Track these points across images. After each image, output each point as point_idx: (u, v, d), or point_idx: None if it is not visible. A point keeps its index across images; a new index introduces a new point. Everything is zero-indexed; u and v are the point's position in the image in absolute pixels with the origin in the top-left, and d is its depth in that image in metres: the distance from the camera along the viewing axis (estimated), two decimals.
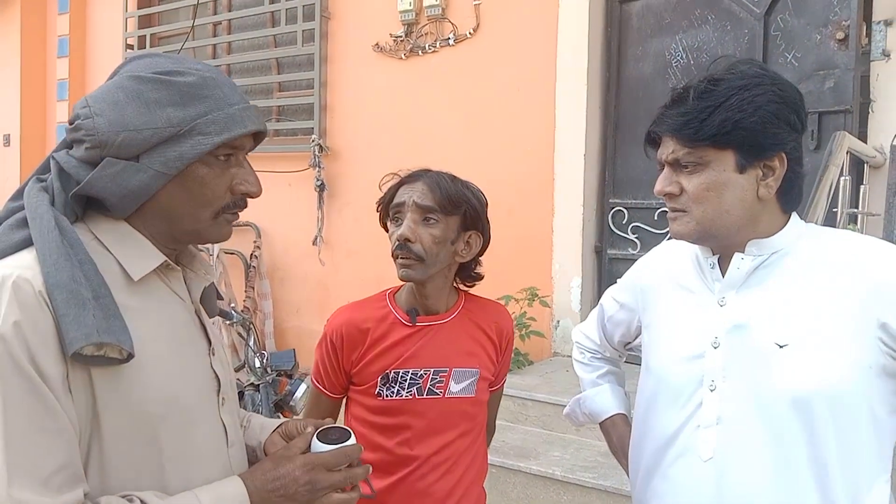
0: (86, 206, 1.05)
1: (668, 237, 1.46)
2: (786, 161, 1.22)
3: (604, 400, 1.68)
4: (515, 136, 4.32)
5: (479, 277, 1.68)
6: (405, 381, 1.55)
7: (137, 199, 1.03)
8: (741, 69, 1.24)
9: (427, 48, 4.63)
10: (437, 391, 1.56)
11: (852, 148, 2.95)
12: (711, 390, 1.25)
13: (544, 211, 4.21)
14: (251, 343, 3.73)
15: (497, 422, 1.87)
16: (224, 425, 1.14)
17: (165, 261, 1.08)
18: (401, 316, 1.59)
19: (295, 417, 1.31)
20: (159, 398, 1.02)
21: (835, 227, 2.63)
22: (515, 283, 3.98)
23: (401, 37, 4.71)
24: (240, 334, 3.73)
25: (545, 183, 4.21)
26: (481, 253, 1.64)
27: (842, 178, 2.86)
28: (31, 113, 6.46)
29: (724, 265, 1.29)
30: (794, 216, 1.29)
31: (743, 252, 1.26)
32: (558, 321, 4.19)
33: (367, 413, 1.58)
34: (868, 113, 3.37)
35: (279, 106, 5.44)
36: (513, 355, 3.36)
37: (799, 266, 1.23)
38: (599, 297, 4.17)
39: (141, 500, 0.96)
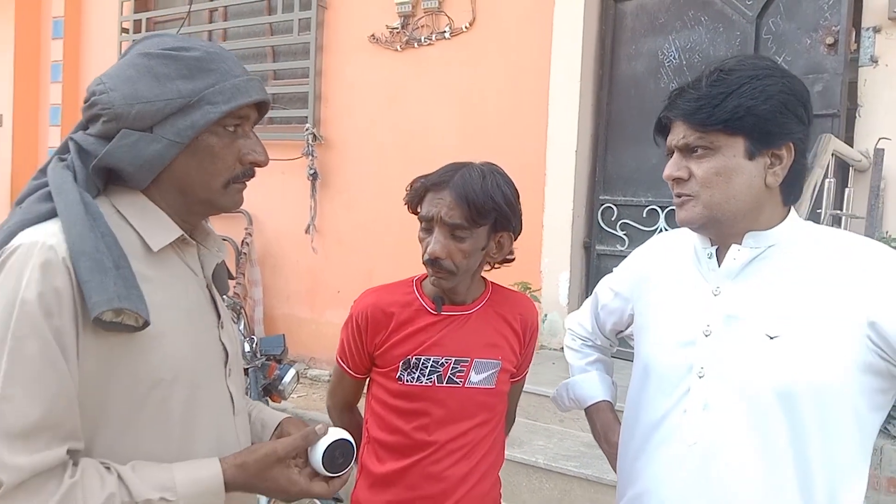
0: (106, 181, 1.10)
1: (657, 231, 1.49)
2: (793, 151, 1.24)
3: (591, 386, 1.71)
4: (508, 131, 4.35)
5: (511, 260, 1.69)
6: (426, 367, 1.58)
7: (153, 169, 1.08)
8: (752, 61, 1.27)
9: (423, 41, 4.66)
10: (457, 380, 1.59)
11: (837, 151, 3.00)
12: (700, 377, 1.27)
13: (535, 206, 4.23)
14: (241, 327, 3.77)
15: None
16: (231, 394, 1.20)
17: (182, 234, 1.13)
18: (426, 303, 1.62)
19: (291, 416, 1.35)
20: (170, 364, 1.07)
21: None
22: (506, 277, 3.93)
23: (397, 28, 4.73)
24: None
25: (537, 178, 4.24)
26: (514, 241, 1.65)
27: (826, 180, 2.90)
28: (25, 94, 6.41)
29: (720, 256, 1.32)
30: (793, 212, 1.32)
31: (740, 244, 1.28)
32: (546, 315, 4.23)
33: (388, 396, 1.62)
34: (855, 118, 3.43)
35: (274, 94, 5.43)
36: None
37: (794, 260, 1.26)
38: (587, 292, 4.33)
39: (118, 471, 0.99)
